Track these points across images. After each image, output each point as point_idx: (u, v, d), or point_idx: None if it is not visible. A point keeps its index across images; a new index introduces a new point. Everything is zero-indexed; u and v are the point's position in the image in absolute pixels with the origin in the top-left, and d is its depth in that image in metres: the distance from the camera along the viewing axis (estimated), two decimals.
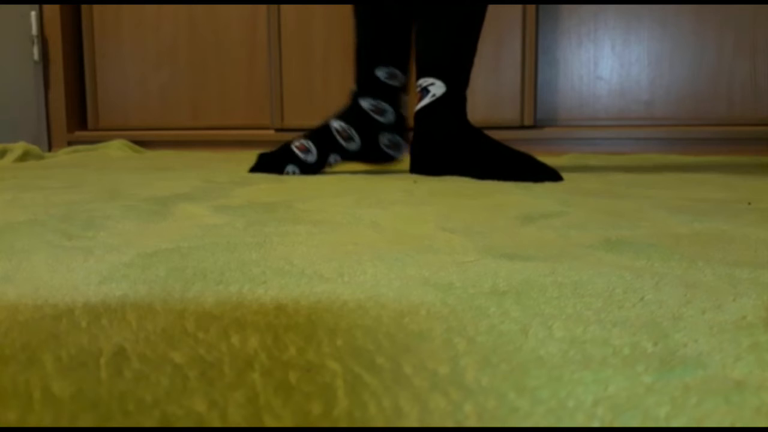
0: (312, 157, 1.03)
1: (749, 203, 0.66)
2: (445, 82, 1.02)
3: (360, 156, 1.07)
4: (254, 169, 1.07)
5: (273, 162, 1.05)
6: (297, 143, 1.05)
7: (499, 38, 1.67)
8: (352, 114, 1.07)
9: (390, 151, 1.08)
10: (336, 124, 1.06)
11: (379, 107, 1.06)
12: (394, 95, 1.07)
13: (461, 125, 1.02)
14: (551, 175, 0.93)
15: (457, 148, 1.00)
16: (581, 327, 0.27)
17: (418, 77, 1.05)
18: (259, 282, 0.34)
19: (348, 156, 1.06)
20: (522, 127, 1.69)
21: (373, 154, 1.07)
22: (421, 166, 1.04)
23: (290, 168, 1.04)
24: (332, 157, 1.05)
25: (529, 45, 1.66)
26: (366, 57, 1.06)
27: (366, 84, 1.06)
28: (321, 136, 1.06)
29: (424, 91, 1.03)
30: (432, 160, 1.03)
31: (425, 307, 0.29)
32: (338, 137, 1.05)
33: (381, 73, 1.05)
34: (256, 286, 0.34)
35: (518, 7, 1.65)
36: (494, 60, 1.68)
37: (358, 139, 1.05)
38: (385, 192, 0.77)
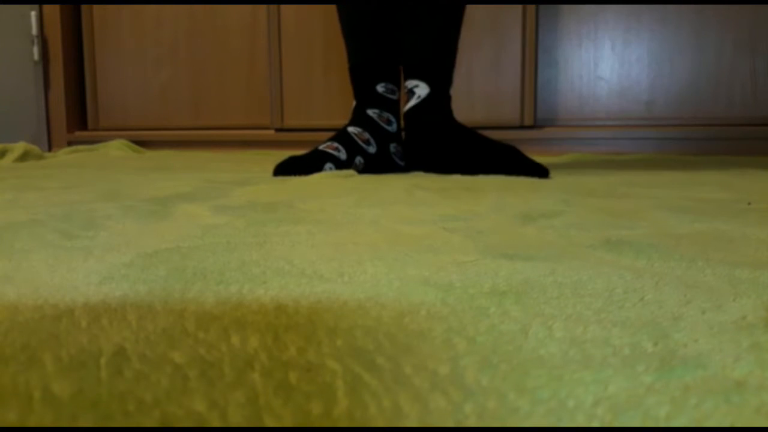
0: (344, 155, 1.03)
1: (749, 203, 0.66)
2: (429, 83, 1.06)
3: (374, 161, 1.07)
4: (282, 172, 0.99)
5: (308, 164, 0.99)
6: (326, 144, 1.05)
7: (499, 38, 1.67)
8: (362, 121, 1.08)
9: (398, 161, 1.11)
10: (352, 129, 1.07)
11: (383, 116, 1.09)
12: (394, 108, 1.11)
13: (447, 123, 1.06)
14: (539, 170, 0.94)
15: (444, 145, 1.03)
16: (581, 327, 0.27)
17: (405, 80, 1.09)
18: (259, 282, 0.34)
19: (368, 160, 1.06)
20: (522, 127, 1.69)
21: (384, 163, 1.09)
22: (414, 165, 1.08)
23: (328, 166, 1.00)
24: (357, 159, 1.05)
25: (529, 45, 1.65)
26: (365, 74, 1.09)
27: (368, 98, 1.09)
28: (344, 138, 1.06)
29: (410, 92, 1.08)
30: (422, 158, 1.06)
31: (425, 307, 0.29)
32: (358, 140, 1.06)
33: (381, 89, 1.09)
34: (256, 286, 0.34)
35: (518, 7, 1.65)
36: (494, 60, 1.68)
37: (374, 143, 1.07)
38: (385, 192, 0.77)
